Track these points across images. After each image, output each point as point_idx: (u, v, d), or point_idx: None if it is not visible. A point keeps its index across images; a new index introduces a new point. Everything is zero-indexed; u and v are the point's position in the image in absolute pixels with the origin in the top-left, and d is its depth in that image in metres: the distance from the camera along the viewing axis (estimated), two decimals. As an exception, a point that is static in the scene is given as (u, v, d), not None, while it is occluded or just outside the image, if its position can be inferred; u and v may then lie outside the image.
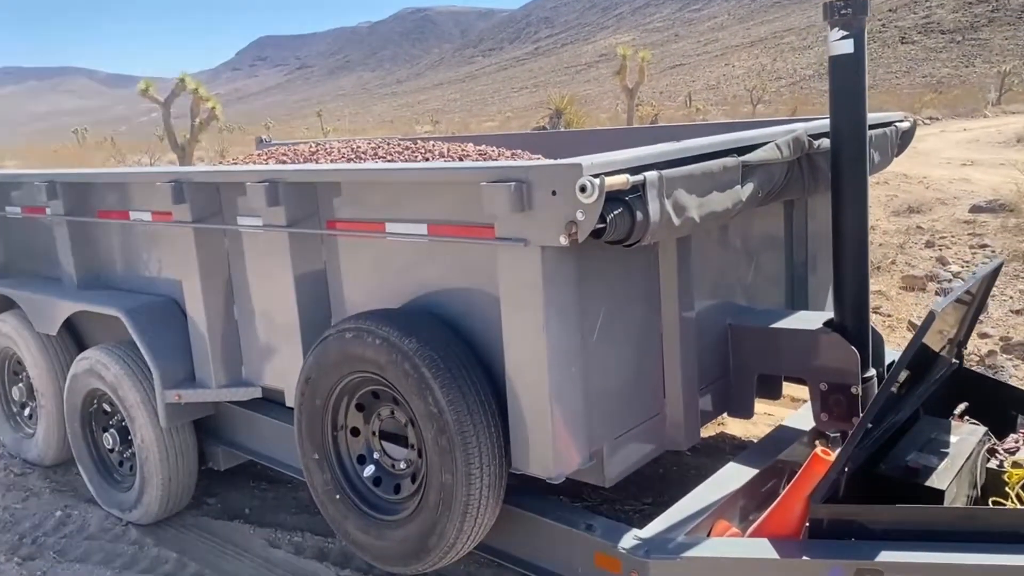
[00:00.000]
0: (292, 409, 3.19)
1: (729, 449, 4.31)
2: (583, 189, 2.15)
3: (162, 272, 3.96)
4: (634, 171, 2.31)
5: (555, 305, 2.42)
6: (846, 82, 2.65)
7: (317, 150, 4.51)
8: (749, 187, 2.73)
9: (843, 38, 2.59)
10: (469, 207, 2.54)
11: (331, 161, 4.13)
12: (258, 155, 4.87)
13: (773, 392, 3.29)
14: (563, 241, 2.25)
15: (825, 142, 2.95)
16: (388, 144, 4.35)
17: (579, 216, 2.19)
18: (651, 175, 2.33)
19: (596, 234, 2.27)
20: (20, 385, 5.05)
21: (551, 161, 2.33)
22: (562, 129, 19.30)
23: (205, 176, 3.51)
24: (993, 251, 7.90)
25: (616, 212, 2.26)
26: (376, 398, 2.93)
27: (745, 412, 3.15)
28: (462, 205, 2.61)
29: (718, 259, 3.11)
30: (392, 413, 2.91)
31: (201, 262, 3.53)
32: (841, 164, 2.73)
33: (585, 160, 2.19)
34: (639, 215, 2.31)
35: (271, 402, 3.76)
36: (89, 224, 4.31)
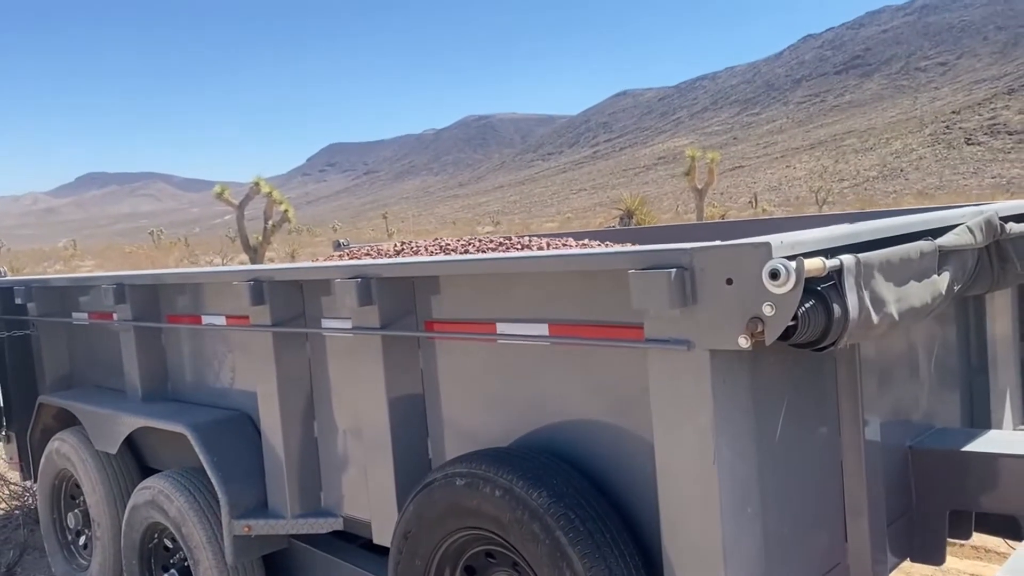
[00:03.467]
0: (376, 547, 2.74)
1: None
2: (774, 275, 1.67)
3: (235, 383, 3.58)
4: (828, 254, 1.83)
5: (728, 427, 1.91)
6: None
7: (403, 248, 4.18)
8: (946, 277, 2.22)
9: None
10: (607, 302, 2.10)
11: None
12: (339, 255, 4.58)
13: (962, 532, 2.69)
14: (743, 343, 1.75)
15: (1016, 226, 2.49)
16: (479, 241, 3.99)
17: (767, 311, 1.70)
18: (847, 259, 1.84)
19: (784, 335, 1.78)
20: (76, 511, 4.57)
21: (724, 242, 1.86)
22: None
23: (287, 274, 3.14)
24: None
25: (808, 305, 1.76)
26: (491, 560, 2.42)
27: (936, 558, 2.54)
28: (597, 299, 2.15)
29: (897, 367, 2.58)
30: None
31: (280, 371, 3.12)
32: None
33: (774, 239, 1.73)
34: (836, 309, 1.81)
35: (351, 540, 3.30)
36: (157, 330, 4.01)
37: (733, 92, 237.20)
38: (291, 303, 3.11)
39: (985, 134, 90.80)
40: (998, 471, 2.38)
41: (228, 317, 3.51)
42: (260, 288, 3.06)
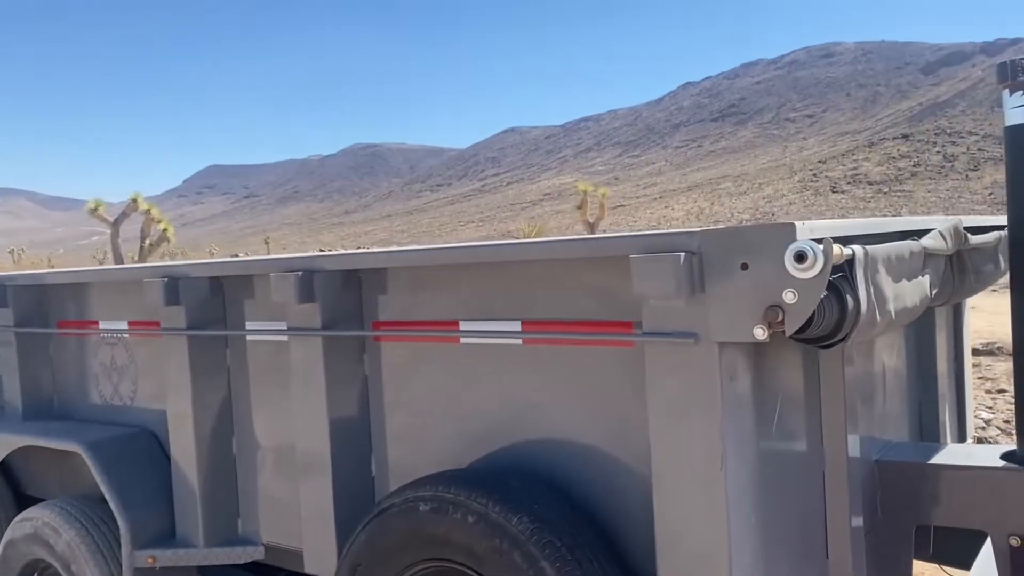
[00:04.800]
0: None
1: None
2: (800, 258, 1.54)
3: (138, 397, 3.23)
4: (842, 243, 1.73)
5: (734, 429, 1.77)
6: None
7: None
8: (927, 281, 2.18)
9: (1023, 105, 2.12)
10: (592, 295, 1.94)
11: None
12: None
13: (923, 549, 2.64)
14: (760, 335, 1.62)
15: (976, 238, 2.48)
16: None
17: (788, 298, 1.57)
18: (858, 249, 1.75)
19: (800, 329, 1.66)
20: None
21: (739, 224, 1.73)
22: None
23: (206, 270, 2.81)
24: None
25: (822, 296, 1.65)
26: None
27: (901, 574, 2.48)
28: (580, 293, 1.99)
29: (869, 376, 2.51)
30: None
31: (195, 381, 2.80)
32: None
33: (799, 222, 1.61)
34: (849, 302, 1.72)
35: (271, 574, 2.99)
36: (44, 338, 3.59)
37: (615, 134, 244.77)
38: (211, 304, 2.81)
39: (848, 183, 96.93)
40: (968, 484, 2.35)
41: (132, 322, 3.18)
42: (175, 286, 2.73)
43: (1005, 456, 2.32)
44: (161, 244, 22.50)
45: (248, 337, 2.76)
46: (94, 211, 21.98)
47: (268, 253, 58.27)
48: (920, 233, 2.27)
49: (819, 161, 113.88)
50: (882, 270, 1.86)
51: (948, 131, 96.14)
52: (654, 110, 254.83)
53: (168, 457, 3.05)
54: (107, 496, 2.92)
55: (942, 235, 2.34)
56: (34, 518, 3.20)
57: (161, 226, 21.68)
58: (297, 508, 2.66)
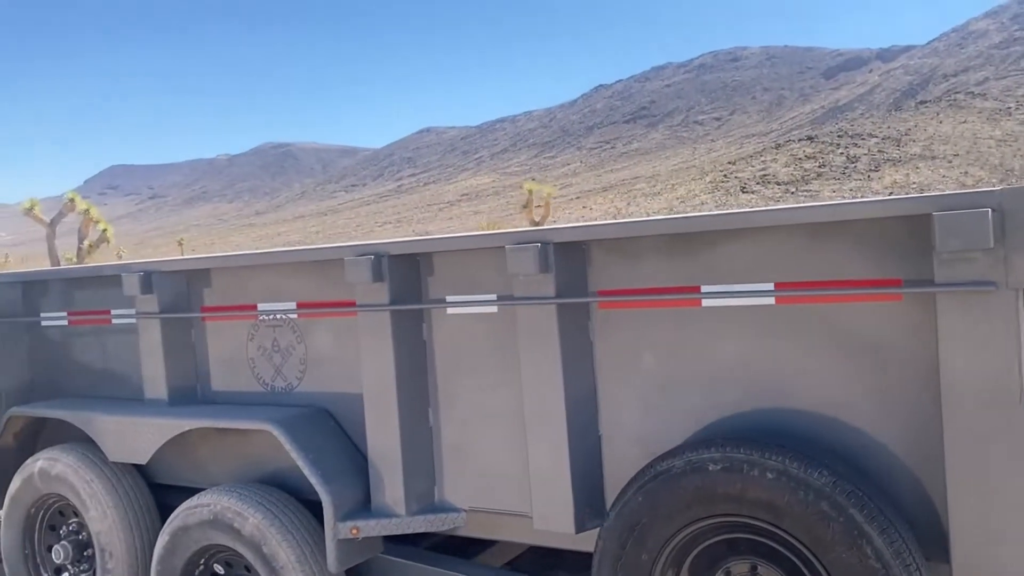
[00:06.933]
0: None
1: None
2: None
3: (307, 377, 3.38)
4: None
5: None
6: None
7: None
8: None
9: None
10: (856, 255, 2.09)
11: None
12: None
13: None
14: None
15: None
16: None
17: None
18: None
19: None
20: (64, 543, 3.95)
21: None
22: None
23: (408, 247, 2.95)
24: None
25: None
26: (729, 550, 2.31)
27: None
28: (842, 254, 2.14)
29: None
30: (755, 568, 2.29)
31: (397, 356, 2.94)
32: None
33: None
34: None
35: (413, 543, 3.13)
36: (186, 325, 3.74)
37: (531, 135, 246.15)
38: (409, 280, 2.98)
39: (758, 183, 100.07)
40: None
41: (300, 303, 3.38)
42: (380, 264, 2.91)
43: None
44: (100, 245, 21.93)
45: (448, 311, 2.93)
46: (30, 211, 21.25)
47: (182, 254, 56.53)
48: None
49: (728, 162, 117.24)
50: None
51: (850, 133, 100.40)
52: (568, 112, 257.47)
53: (344, 432, 3.26)
54: (306, 471, 3.03)
55: None
56: (210, 504, 3.23)
57: (100, 226, 21.18)
58: (505, 472, 2.82)
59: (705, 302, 2.42)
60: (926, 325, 2.09)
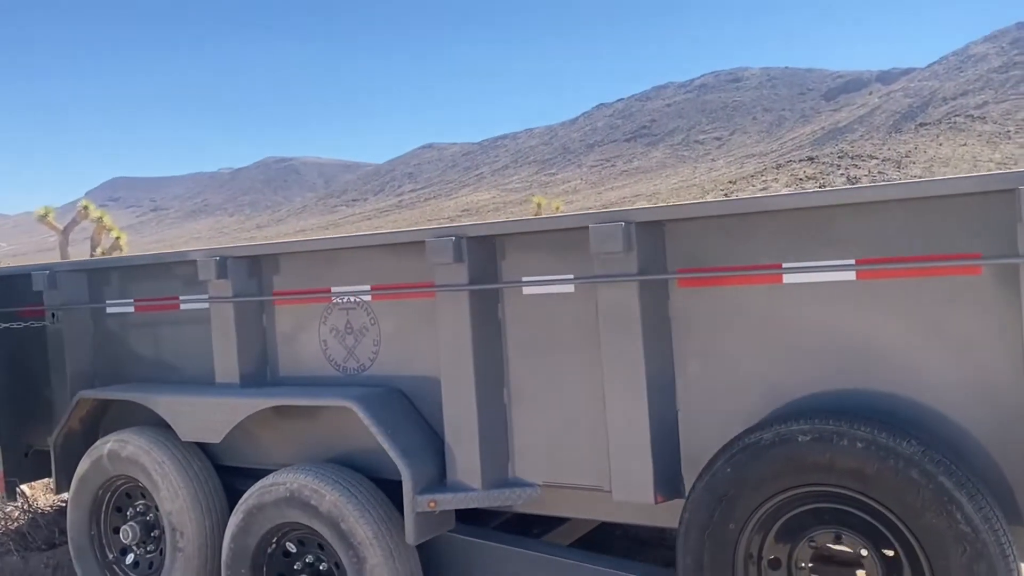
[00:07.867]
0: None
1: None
2: None
3: (381, 357, 3.50)
4: None
5: None
6: None
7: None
8: None
9: None
10: (940, 231, 2.17)
11: None
12: None
13: None
14: None
15: None
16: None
17: None
18: None
19: None
20: (132, 524, 4.02)
21: None
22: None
23: (486, 229, 3.04)
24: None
25: None
26: (815, 519, 2.38)
27: None
28: (924, 230, 2.22)
29: None
30: (839, 537, 2.36)
31: (475, 336, 3.06)
32: None
33: None
34: None
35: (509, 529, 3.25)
36: (258, 309, 3.87)
37: (532, 152, 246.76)
38: (486, 261, 3.07)
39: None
40: None
41: (375, 286, 3.48)
42: (460, 245, 3.00)
43: None
44: (113, 252, 22.05)
45: (524, 290, 3.04)
46: (43, 218, 21.45)
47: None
48: None
49: (729, 181, 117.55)
50: None
51: (850, 154, 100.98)
52: (569, 129, 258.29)
53: (417, 410, 3.37)
54: (385, 446, 3.14)
55: None
56: (286, 482, 3.32)
57: (113, 234, 21.35)
58: (580, 448, 2.92)
59: (786, 278, 2.51)
60: (1007, 299, 2.18)
